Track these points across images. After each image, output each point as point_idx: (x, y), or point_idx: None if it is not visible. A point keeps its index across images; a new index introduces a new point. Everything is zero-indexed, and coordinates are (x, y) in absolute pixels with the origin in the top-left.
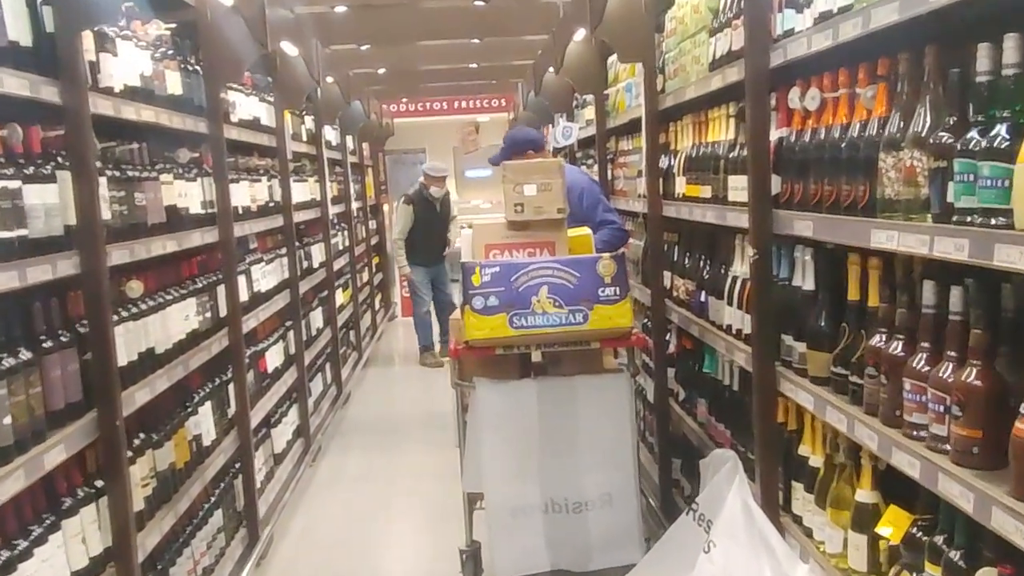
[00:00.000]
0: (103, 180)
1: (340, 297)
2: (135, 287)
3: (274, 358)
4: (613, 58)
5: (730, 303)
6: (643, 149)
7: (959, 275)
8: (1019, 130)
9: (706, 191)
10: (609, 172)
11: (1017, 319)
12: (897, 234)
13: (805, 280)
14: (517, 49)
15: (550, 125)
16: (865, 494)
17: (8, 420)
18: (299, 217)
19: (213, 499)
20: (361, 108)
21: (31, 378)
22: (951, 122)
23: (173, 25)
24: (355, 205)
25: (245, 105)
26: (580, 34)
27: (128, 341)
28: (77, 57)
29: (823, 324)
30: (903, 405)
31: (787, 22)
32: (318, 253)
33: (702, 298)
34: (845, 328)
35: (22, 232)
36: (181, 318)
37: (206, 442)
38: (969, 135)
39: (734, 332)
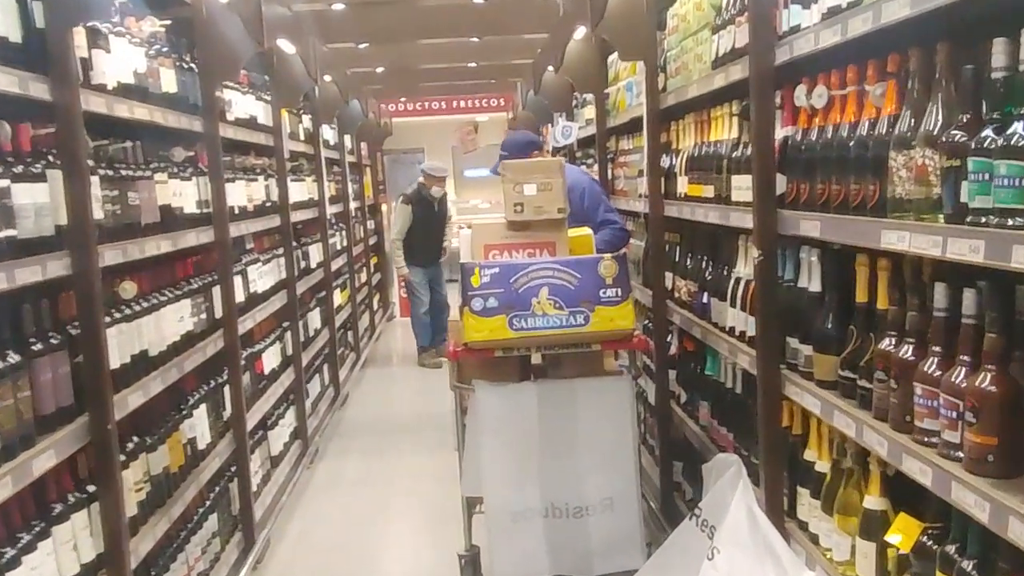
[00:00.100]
0: (95, 179)
1: (338, 297)
2: (128, 288)
3: (271, 359)
4: (613, 56)
5: (733, 305)
6: (644, 148)
7: (970, 276)
8: None
9: (709, 191)
10: (609, 172)
11: None
12: (908, 235)
13: (811, 282)
14: (516, 48)
15: (549, 124)
16: (873, 501)
17: None
18: (296, 217)
19: (208, 503)
20: (359, 107)
21: (20, 382)
22: (964, 120)
23: (168, 22)
24: (353, 205)
25: (241, 103)
26: (580, 32)
27: (121, 343)
28: (68, 53)
29: (830, 327)
30: (914, 410)
31: (793, 18)
32: (316, 253)
33: (704, 299)
34: (853, 331)
35: (11, 232)
36: (175, 319)
37: (201, 445)
38: (984, 133)
39: (737, 334)
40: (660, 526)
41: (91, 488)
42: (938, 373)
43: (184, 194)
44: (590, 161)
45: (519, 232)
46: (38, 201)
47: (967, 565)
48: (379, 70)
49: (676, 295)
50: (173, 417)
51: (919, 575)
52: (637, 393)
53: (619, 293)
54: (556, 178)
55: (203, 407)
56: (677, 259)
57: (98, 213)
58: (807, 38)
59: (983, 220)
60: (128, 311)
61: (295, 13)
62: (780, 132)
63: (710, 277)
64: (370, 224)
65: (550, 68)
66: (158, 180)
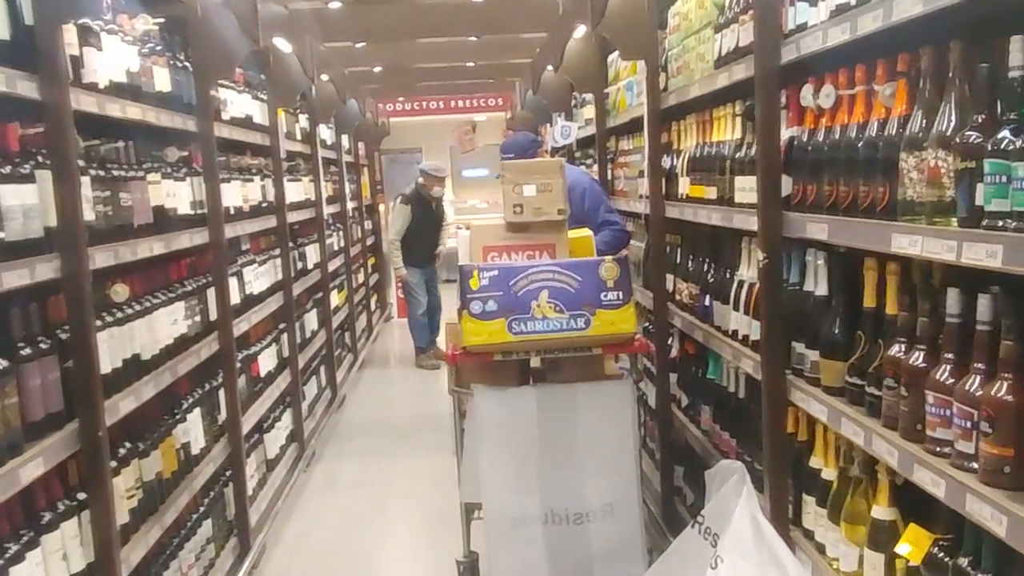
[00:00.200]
0: (86, 180)
1: (335, 298)
2: (120, 291)
3: (267, 362)
4: (613, 56)
5: (736, 308)
6: (645, 149)
7: (982, 280)
8: None
9: (711, 192)
10: (609, 172)
11: None
12: (921, 239)
13: (817, 285)
14: (515, 47)
15: (548, 124)
16: (882, 510)
17: None
18: (293, 217)
19: (202, 509)
20: (357, 107)
21: (7, 388)
22: (979, 120)
23: (162, 20)
24: (350, 205)
25: (237, 103)
26: (580, 31)
27: (112, 347)
28: (57, 51)
29: (837, 332)
30: (925, 419)
31: (800, 16)
32: (313, 254)
33: (706, 302)
34: (861, 336)
35: None
36: (169, 322)
37: (195, 450)
38: (1001, 134)
39: (740, 338)
40: (660, 531)
41: (81, 496)
42: (951, 381)
43: (178, 195)
44: (589, 161)
45: (518, 234)
46: (26, 202)
47: None
48: (377, 69)
49: (677, 297)
50: (166, 422)
51: None
52: (637, 397)
53: (620, 296)
54: (556, 179)
55: (197, 411)
56: (678, 261)
57: (89, 214)
58: (814, 36)
59: (1000, 224)
60: (120, 314)
61: (291, 11)
62: (786, 133)
63: (712, 280)
64: (367, 224)
65: (549, 67)
66: (151, 181)
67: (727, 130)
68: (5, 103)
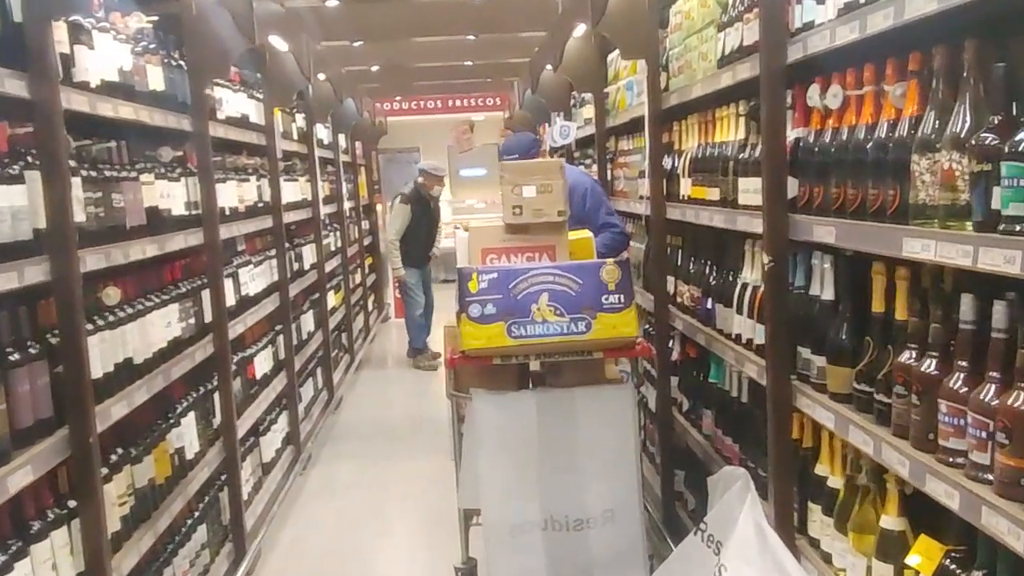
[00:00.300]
0: (77, 180)
1: (332, 299)
2: (112, 294)
3: (263, 364)
4: (613, 55)
5: (739, 311)
6: (645, 149)
7: (995, 286)
8: None
9: (714, 193)
10: (608, 172)
11: None
12: (934, 243)
13: (824, 289)
14: (513, 46)
15: (546, 124)
16: (891, 520)
17: None
18: (289, 218)
19: (197, 514)
20: (354, 106)
21: None
22: (996, 121)
23: (155, 18)
24: (347, 205)
25: (232, 102)
26: (580, 30)
27: (104, 351)
28: (47, 48)
29: (845, 337)
30: (938, 428)
31: (807, 14)
32: (309, 254)
33: (709, 305)
34: (869, 342)
35: None
36: (162, 325)
37: (189, 455)
38: (1019, 136)
39: (744, 342)
40: (661, 536)
41: (72, 503)
42: (965, 390)
43: (172, 195)
44: (588, 162)
45: (518, 235)
46: (15, 204)
47: None
48: (374, 68)
49: (678, 300)
50: (160, 426)
51: None
52: (638, 400)
53: (622, 299)
54: (556, 179)
55: (191, 415)
56: (679, 263)
57: (80, 216)
58: (822, 35)
59: (1018, 229)
60: (112, 318)
61: (288, 9)
62: (792, 133)
63: (715, 282)
64: (365, 224)
65: (548, 67)
66: (144, 181)
67: (730, 130)
68: None
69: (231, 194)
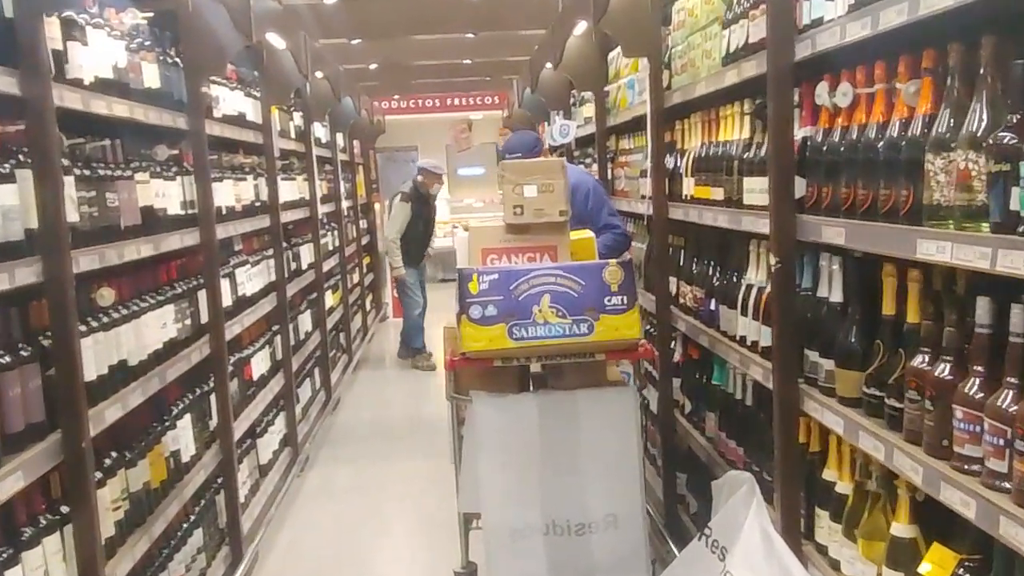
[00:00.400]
0: (70, 179)
1: (330, 299)
2: (106, 295)
3: (260, 365)
4: (613, 53)
5: (744, 313)
6: (647, 148)
7: (1011, 289)
8: None
9: (718, 193)
10: (609, 172)
11: None
12: (950, 245)
13: (832, 291)
14: (513, 44)
15: (546, 123)
16: (902, 528)
17: None
18: (287, 217)
19: (193, 518)
20: (352, 105)
21: None
22: (1014, 120)
23: (150, 14)
24: (345, 204)
25: (229, 100)
26: (580, 28)
27: (97, 353)
28: (39, 44)
29: (854, 340)
30: (952, 435)
31: (815, 10)
32: (307, 254)
33: (712, 306)
34: (879, 346)
35: None
36: (158, 326)
37: (185, 458)
38: None
39: (749, 344)
40: (663, 539)
41: (64, 509)
42: (981, 395)
43: (167, 194)
44: (588, 161)
45: (519, 235)
46: (6, 203)
47: None
48: (372, 66)
49: (681, 301)
50: (155, 429)
51: None
52: (640, 403)
53: (625, 301)
54: (558, 179)
55: (187, 417)
56: (682, 263)
57: (73, 215)
58: (831, 32)
59: None
60: (105, 319)
61: (285, 6)
62: (799, 132)
63: (718, 283)
64: (363, 224)
65: (548, 65)
66: (139, 180)
67: (735, 129)
68: None
69: (227, 193)
